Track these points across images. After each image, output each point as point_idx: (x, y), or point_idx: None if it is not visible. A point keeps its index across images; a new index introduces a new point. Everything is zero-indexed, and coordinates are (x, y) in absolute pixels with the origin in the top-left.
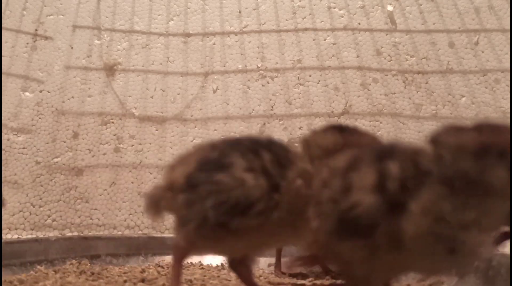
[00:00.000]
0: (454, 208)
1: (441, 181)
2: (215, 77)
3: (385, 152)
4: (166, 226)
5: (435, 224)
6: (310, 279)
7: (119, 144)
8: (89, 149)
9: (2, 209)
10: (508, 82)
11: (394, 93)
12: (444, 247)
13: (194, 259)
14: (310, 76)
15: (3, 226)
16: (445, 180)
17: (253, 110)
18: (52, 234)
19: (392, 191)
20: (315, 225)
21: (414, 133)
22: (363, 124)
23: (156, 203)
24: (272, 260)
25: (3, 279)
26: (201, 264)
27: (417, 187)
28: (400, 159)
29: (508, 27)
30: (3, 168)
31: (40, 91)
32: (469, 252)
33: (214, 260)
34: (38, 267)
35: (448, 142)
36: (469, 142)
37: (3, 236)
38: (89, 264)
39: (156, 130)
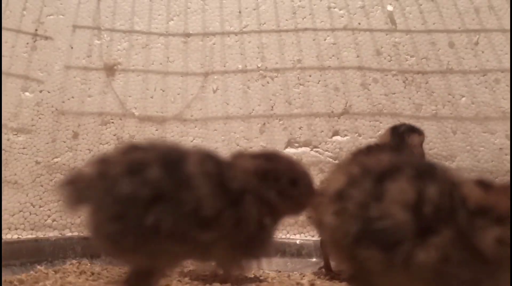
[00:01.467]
0: (458, 259)
1: (456, 229)
2: (215, 77)
3: (426, 171)
4: None
5: (440, 263)
6: None
7: (119, 144)
8: (89, 149)
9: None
10: (508, 82)
11: (394, 93)
12: None
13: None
14: (310, 76)
15: (3, 226)
16: (459, 231)
17: (253, 110)
18: (52, 234)
19: (426, 215)
20: (329, 222)
21: None
22: (363, 124)
23: None
24: None
25: (3, 279)
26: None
27: (446, 219)
28: (440, 184)
29: (508, 27)
30: (3, 168)
31: (40, 91)
32: None
33: None
34: (38, 267)
35: (468, 198)
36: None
37: (3, 236)
38: (89, 264)
39: (156, 130)
